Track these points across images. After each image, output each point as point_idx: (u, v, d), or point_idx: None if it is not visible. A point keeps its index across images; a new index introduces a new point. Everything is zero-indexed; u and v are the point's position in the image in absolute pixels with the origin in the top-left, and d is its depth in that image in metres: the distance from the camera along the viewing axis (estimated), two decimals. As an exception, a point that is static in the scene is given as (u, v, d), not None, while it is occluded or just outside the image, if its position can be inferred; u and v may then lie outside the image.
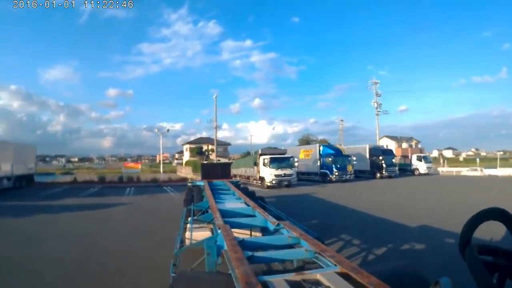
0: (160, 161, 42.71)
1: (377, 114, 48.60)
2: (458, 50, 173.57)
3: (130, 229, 9.81)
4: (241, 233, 4.09)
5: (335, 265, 2.25)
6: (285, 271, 2.41)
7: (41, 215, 12.34)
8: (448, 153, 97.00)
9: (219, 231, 3.41)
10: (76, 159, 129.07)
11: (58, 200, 17.13)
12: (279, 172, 23.59)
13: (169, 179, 31.08)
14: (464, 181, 27.16)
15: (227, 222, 3.97)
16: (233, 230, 3.52)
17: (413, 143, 70.75)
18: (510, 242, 1.40)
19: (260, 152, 26.83)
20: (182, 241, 4.54)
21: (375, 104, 48.88)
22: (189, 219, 5.25)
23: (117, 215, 12.72)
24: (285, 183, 23.77)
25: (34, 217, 11.97)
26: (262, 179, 24.66)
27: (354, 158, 29.03)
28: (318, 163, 28.98)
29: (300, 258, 2.87)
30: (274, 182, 23.37)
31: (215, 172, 14.36)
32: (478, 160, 45.02)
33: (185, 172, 39.44)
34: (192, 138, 69.92)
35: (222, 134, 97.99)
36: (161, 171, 35.27)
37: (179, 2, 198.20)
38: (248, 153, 53.28)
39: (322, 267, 2.38)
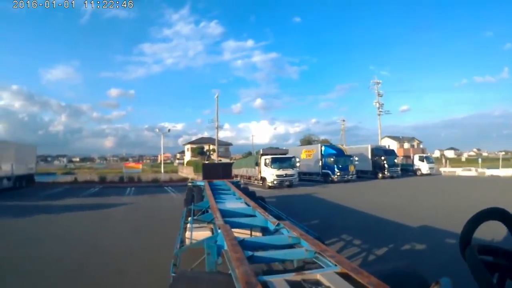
0: (161, 161, 42.71)
1: (379, 114, 48.59)
2: (460, 50, 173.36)
3: (130, 229, 9.82)
4: (241, 233, 4.08)
5: (335, 265, 2.25)
6: (285, 271, 2.41)
7: (41, 215, 12.36)
8: (450, 153, 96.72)
9: (219, 231, 3.41)
10: (77, 159, 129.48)
11: (58, 200, 17.15)
12: (281, 172, 23.54)
13: (170, 179, 31.10)
14: (467, 182, 27.07)
15: (227, 222, 3.97)
16: (233, 230, 3.52)
17: (415, 143, 70.60)
18: (511, 242, 1.39)
19: (261, 152, 26.78)
20: (182, 241, 4.55)
21: (377, 104, 48.89)
22: (189, 219, 5.26)
23: (117, 215, 12.74)
24: (287, 183, 23.72)
25: (34, 217, 11.99)
26: (263, 179, 24.61)
27: (356, 158, 28.89)
28: (320, 163, 28.89)
29: (300, 258, 2.86)
30: (275, 182, 23.32)
31: (216, 172, 14.36)
32: (480, 160, 44.76)
33: (187, 172, 39.49)
34: (193, 138, 69.91)
35: (223, 134, 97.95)
36: (162, 171, 35.28)
37: (181, 2, 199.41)
38: (249, 153, 53.23)
39: (322, 267, 2.37)
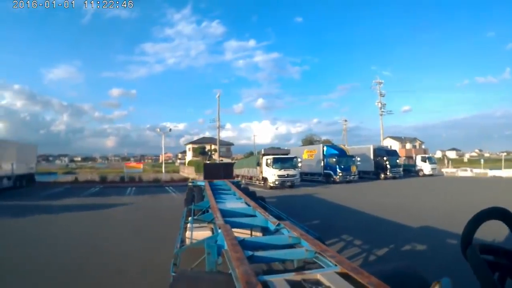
0: (162, 161, 42.78)
1: (381, 114, 48.40)
2: (462, 50, 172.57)
3: (130, 229, 9.83)
4: (241, 233, 4.08)
5: (336, 265, 2.25)
6: (285, 271, 2.41)
7: (41, 215, 12.38)
8: (452, 154, 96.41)
9: (219, 230, 3.42)
10: (79, 159, 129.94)
11: (59, 200, 17.15)
12: (282, 172, 23.47)
13: (171, 179, 31.09)
14: (469, 182, 26.97)
15: (227, 222, 3.97)
16: (233, 230, 3.52)
17: (417, 144, 70.46)
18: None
19: (263, 152, 26.62)
20: (183, 241, 4.55)
21: (379, 104, 48.68)
22: (190, 218, 5.26)
23: (117, 215, 12.74)
24: (288, 183, 23.65)
25: (34, 217, 12.00)
26: (265, 179, 24.52)
27: (358, 159, 28.77)
28: (322, 164, 28.81)
29: (300, 258, 2.86)
30: (277, 182, 23.26)
31: (218, 172, 14.37)
32: (482, 161, 44.55)
33: (188, 172, 39.52)
34: (195, 138, 69.92)
35: (225, 134, 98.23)
36: (163, 171, 35.31)
37: (183, 2, 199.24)
38: (251, 153, 53.22)
39: (323, 267, 2.37)
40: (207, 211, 5.68)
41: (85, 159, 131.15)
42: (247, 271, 2.01)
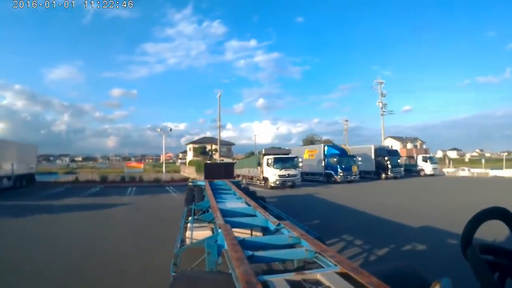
0: (163, 161, 42.79)
1: (382, 114, 48.33)
2: (462, 50, 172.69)
3: (131, 229, 9.82)
4: (241, 233, 4.08)
5: (336, 265, 2.24)
6: (285, 271, 2.40)
7: (41, 215, 12.37)
8: (453, 154, 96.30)
9: (219, 230, 3.42)
10: (80, 159, 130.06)
11: (59, 200, 17.13)
12: (283, 172, 23.41)
13: (172, 179, 31.05)
14: (471, 183, 26.93)
15: (227, 221, 3.97)
16: (233, 229, 3.52)
17: (418, 144, 70.31)
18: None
19: (264, 152, 26.62)
20: (183, 240, 4.55)
21: (380, 104, 48.62)
22: (190, 218, 5.26)
23: (118, 215, 12.74)
24: (289, 183, 23.60)
25: (34, 217, 12.00)
26: (265, 179, 24.46)
27: (359, 159, 28.69)
28: (323, 164, 28.74)
29: (300, 258, 2.87)
30: (278, 182, 23.20)
31: (218, 172, 14.36)
32: (483, 161, 44.49)
33: (189, 172, 39.53)
34: (196, 138, 69.90)
35: (226, 134, 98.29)
36: (164, 170, 35.30)
37: (184, 2, 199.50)
38: (252, 153, 53.21)
39: (323, 267, 2.37)
40: (207, 211, 5.68)
41: (86, 159, 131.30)
42: (247, 271, 2.01)
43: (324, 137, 63.85)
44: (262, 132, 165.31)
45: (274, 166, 23.54)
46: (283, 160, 24.17)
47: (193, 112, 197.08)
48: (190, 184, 11.69)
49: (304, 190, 21.79)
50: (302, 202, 16.32)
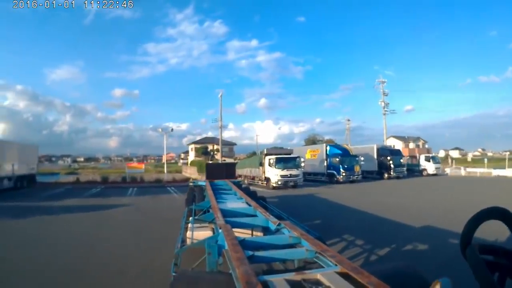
0: (164, 161, 42.88)
1: (384, 114, 48.22)
2: (464, 50, 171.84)
3: (131, 230, 9.83)
4: (242, 233, 4.08)
5: (336, 265, 2.24)
6: (285, 271, 2.40)
7: (41, 216, 12.37)
8: (455, 154, 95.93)
9: (220, 230, 3.42)
10: (82, 159, 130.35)
11: (59, 200, 17.11)
12: (285, 172, 23.31)
13: (173, 179, 31.05)
14: (474, 182, 26.82)
15: (228, 221, 3.97)
16: (234, 230, 3.52)
17: (420, 143, 70.13)
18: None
19: (265, 152, 26.51)
20: (184, 241, 4.55)
21: (382, 103, 48.48)
22: (191, 218, 5.27)
23: (118, 216, 12.73)
24: (291, 183, 23.49)
25: (35, 218, 12.01)
26: (267, 179, 24.36)
27: (362, 158, 28.59)
28: (325, 164, 28.63)
29: (300, 258, 2.87)
30: (279, 182, 23.10)
31: (220, 172, 14.39)
32: (486, 160, 44.27)
33: (190, 172, 39.56)
34: (197, 138, 70.11)
35: (228, 134, 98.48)
36: (165, 171, 35.34)
37: (185, 2, 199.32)
38: (253, 153, 53.26)
39: (323, 267, 2.37)
40: (208, 211, 5.68)
41: (88, 159, 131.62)
42: (248, 271, 2.01)
43: (326, 137, 63.79)
44: (264, 132, 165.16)
45: (276, 166, 23.44)
46: (285, 160, 24.06)
47: (195, 112, 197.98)
48: (191, 184, 11.71)
49: (306, 190, 21.74)
50: (304, 202, 16.29)
